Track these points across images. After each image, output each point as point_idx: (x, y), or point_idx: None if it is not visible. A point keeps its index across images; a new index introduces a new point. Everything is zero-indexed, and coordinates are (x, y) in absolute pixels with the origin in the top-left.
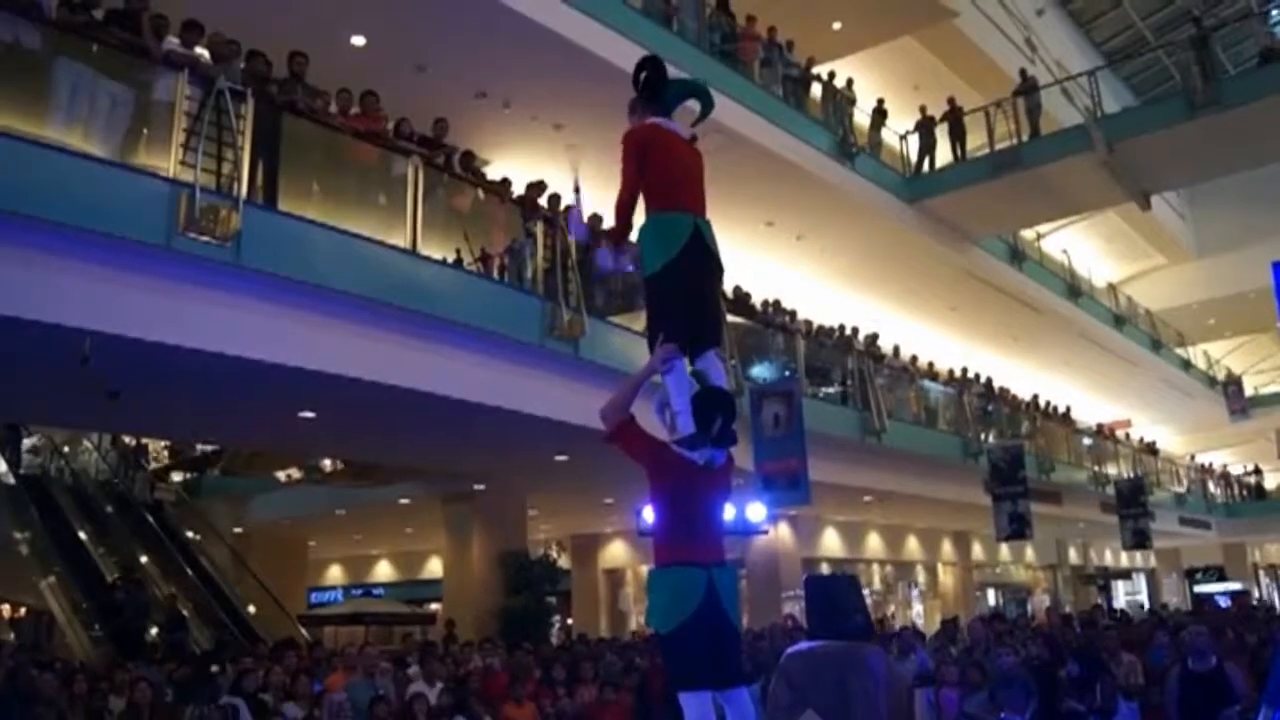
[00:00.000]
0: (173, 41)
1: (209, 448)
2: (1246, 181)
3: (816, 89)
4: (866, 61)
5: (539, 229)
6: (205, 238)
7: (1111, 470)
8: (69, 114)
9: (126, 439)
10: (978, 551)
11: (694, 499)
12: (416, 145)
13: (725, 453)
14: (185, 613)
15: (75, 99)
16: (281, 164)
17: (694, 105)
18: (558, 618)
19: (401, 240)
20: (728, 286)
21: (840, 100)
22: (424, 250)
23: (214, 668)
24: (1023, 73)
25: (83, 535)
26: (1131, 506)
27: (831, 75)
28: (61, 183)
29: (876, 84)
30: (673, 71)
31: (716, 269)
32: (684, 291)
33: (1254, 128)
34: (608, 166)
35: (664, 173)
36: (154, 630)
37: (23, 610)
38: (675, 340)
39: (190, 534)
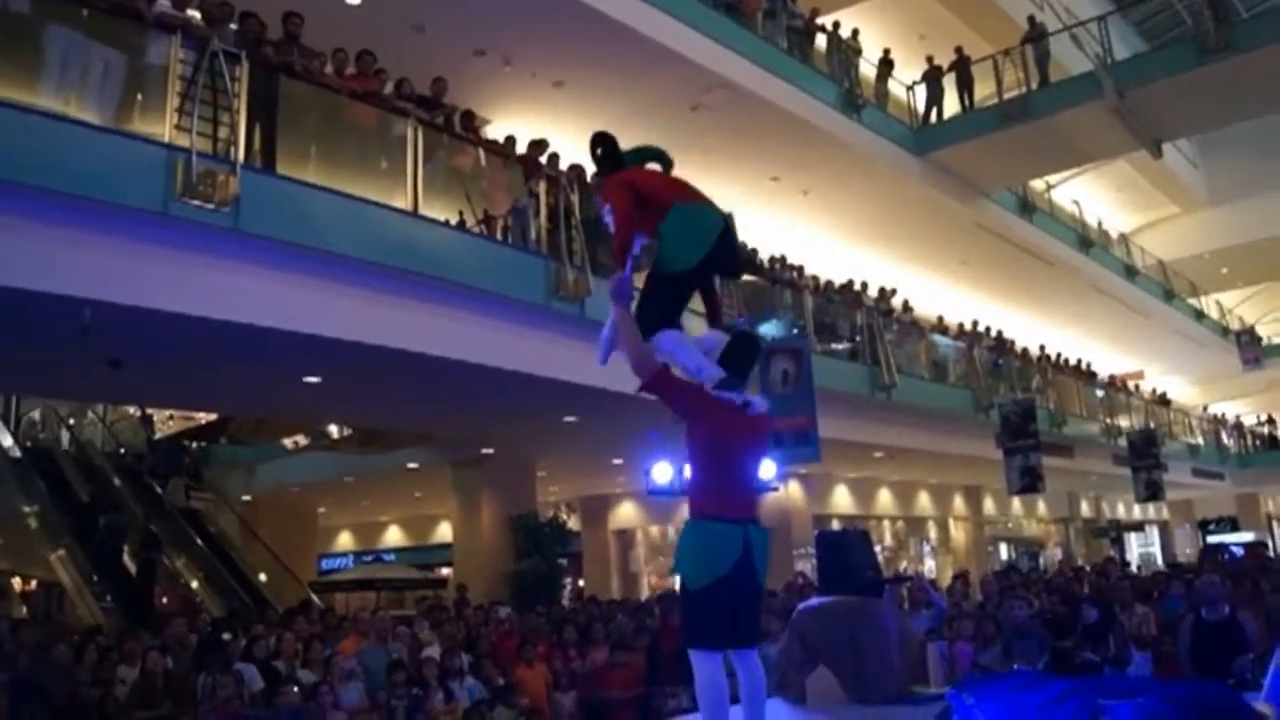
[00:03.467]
0: (164, 3)
1: (214, 416)
2: (1260, 128)
3: (821, 40)
4: (871, 11)
5: (542, 189)
6: (203, 203)
7: (1124, 422)
8: (61, 80)
9: (136, 414)
10: (989, 506)
11: (734, 447)
12: (415, 105)
13: (762, 402)
14: (155, 530)
15: (67, 65)
16: (279, 127)
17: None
18: (568, 580)
19: (403, 202)
20: None
21: (845, 52)
22: (426, 212)
23: (225, 635)
24: (1031, 20)
25: (101, 519)
26: (1144, 458)
27: (836, 26)
28: (56, 150)
29: (882, 34)
30: (679, 27)
31: (741, 270)
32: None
33: (1266, 73)
34: (605, 121)
35: (660, 188)
36: (129, 550)
37: (33, 583)
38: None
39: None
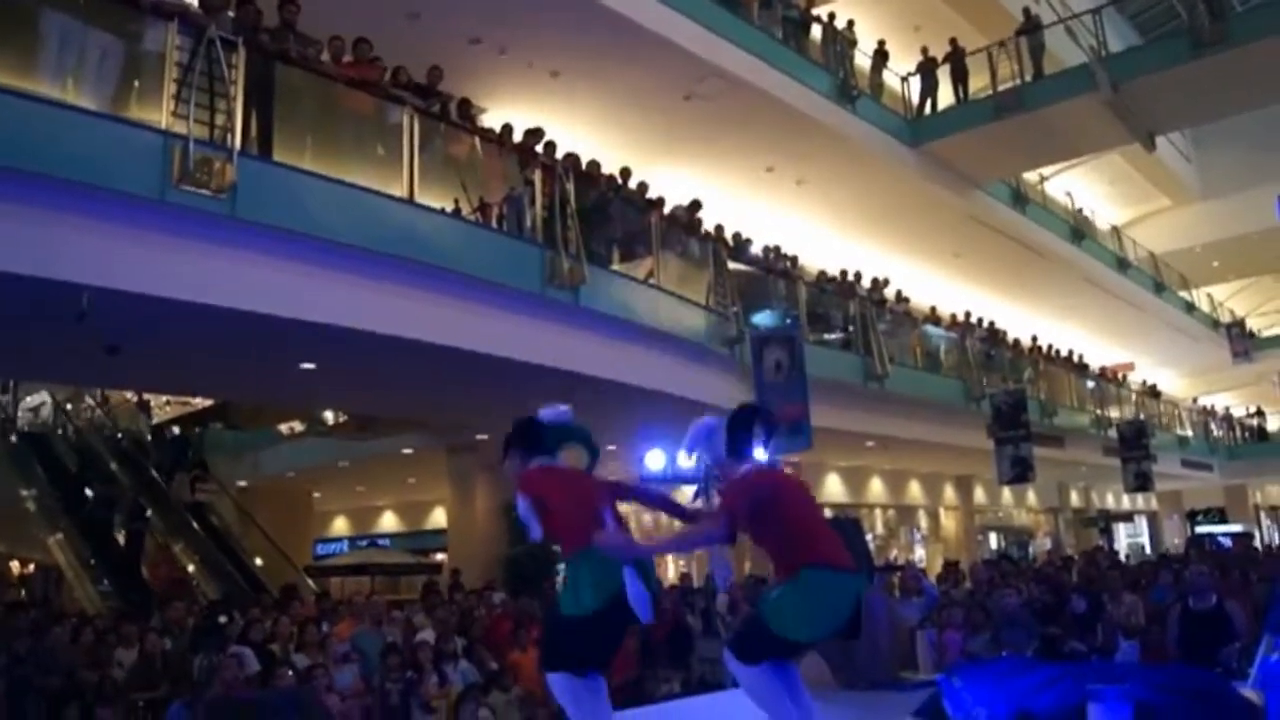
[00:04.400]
0: None
1: (210, 401)
2: (1252, 122)
3: (816, 31)
4: (866, 2)
5: (537, 177)
6: (200, 190)
7: (1114, 413)
8: (58, 66)
9: (133, 399)
10: (980, 495)
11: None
12: (411, 93)
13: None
14: (143, 503)
15: (64, 51)
16: (275, 114)
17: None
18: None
19: (399, 190)
20: (728, 234)
21: (841, 42)
22: (422, 200)
23: (221, 618)
24: (1026, 12)
25: (87, 491)
26: (1134, 449)
27: (831, 16)
28: (53, 136)
29: (877, 25)
30: (674, 16)
31: (634, 621)
32: (601, 642)
33: (1261, 66)
34: (603, 110)
35: (572, 513)
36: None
37: (31, 566)
38: (569, 666)
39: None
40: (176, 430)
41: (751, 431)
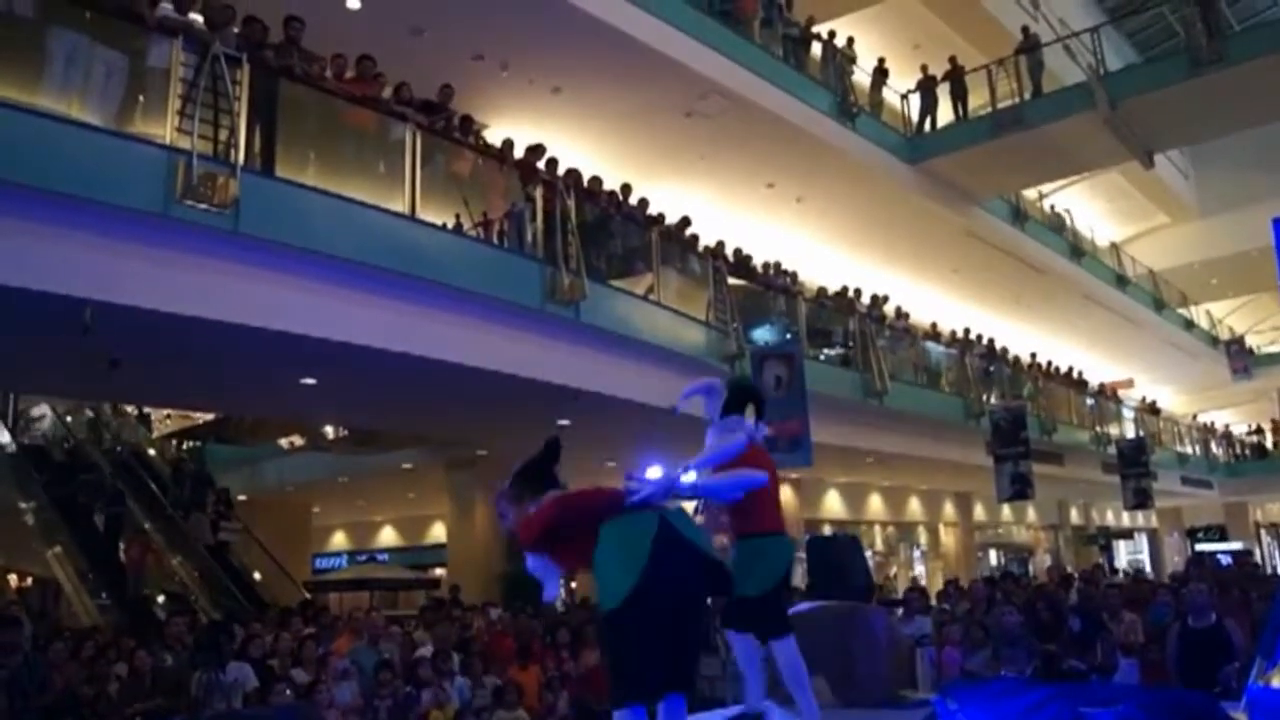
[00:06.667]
0: (166, 7)
1: (211, 415)
2: (1251, 139)
3: (816, 49)
4: (866, 20)
5: (538, 193)
6: (203, 205)
7: (1113, 430)
8: (64, 82)
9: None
10: (979, 512)
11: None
12: (417, 110)
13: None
14: (123, 489)
15: (70, 67)
16: (279, 130)
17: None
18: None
19: (400, 205)
20: (729, 250)
21: (840, 60)
22: (423, 215)
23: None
24: (1025, 30)
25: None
26: (1133, 466)
27: (831, 35)
28: (58, 151)
29: (877, 43)
30: (675, 34)
31: (697, 573)
32: (655, 627)
33: (1259, 85)
34: (604, 126)
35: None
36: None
37: (29, 580)
38: (644, 694)
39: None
40: (187, 448)
41: (744, 409)
